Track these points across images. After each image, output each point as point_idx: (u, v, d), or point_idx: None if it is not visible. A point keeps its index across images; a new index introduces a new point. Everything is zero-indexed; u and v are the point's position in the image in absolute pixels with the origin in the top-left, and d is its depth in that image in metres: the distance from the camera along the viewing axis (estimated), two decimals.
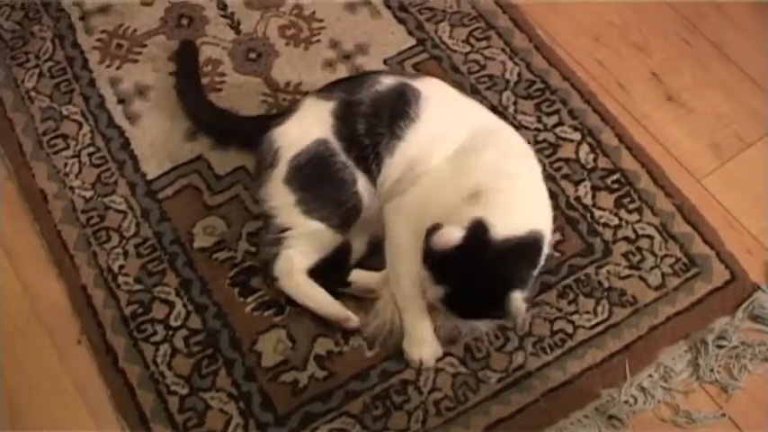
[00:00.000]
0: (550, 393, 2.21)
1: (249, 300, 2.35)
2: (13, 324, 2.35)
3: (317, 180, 2.27)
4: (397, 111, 2.27)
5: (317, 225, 2.26)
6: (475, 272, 2.06)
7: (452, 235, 2.03)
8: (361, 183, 2.28)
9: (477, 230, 2.04)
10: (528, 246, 2.11)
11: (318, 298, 2.28)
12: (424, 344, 2.24)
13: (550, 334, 2.28)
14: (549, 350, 2.26)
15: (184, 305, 2.34)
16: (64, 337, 2.33)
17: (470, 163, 2.23)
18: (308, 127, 2.31)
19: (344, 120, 2.29)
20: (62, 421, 2.23)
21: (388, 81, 2.33)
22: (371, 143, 2.26)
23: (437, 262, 2.06)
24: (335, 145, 2.28)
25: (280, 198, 2.28)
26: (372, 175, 2.28)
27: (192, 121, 2.63)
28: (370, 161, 2.27)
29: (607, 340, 2.27)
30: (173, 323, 2.32)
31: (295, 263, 2.27)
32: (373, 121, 2.26)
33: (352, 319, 2.26)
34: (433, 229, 2.04)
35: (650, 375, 2.23)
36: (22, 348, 2.32)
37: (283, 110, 2.55)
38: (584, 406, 2.20)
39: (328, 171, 2.26)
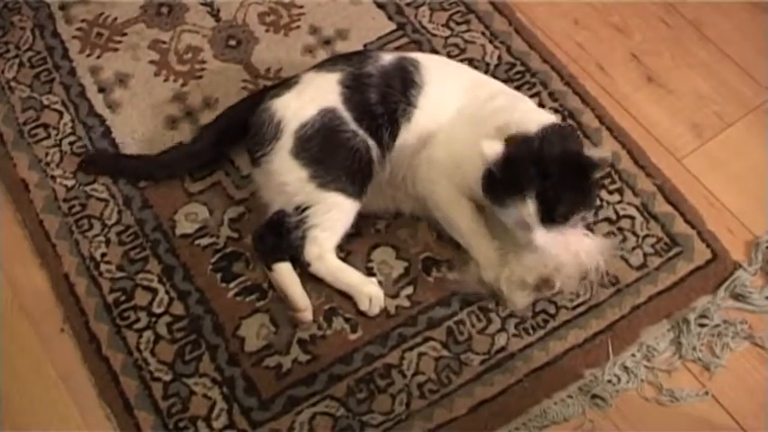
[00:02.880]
0: (533, 374, 2.21)
1: (231, 285, 2.34)
2: None
3: (328, 151, 2.27)
4: (407, 80, 2.34)
5: (335, 197, 2.26)
6: (550, 161, 2.08)
7: (525, 133, 2.14)
8: (373, 150, 2.30)
9: (527, 138, 2.13)
10: (563, 127, 2.28)
11: (353, 278, 2.30)
12: (496, 265, 2.26)
13: (533, 315, 2.28)
14: (531, 331, 2.26)
15: (167, 292, 2.34)
16: (47, 325, 2.33)
17: (487, 109, 2.30)
18: (312, 97, 2.32)
19: (355, 90, 2.32)
20: (47, 409, 2.22)
21: (388, 57, 2.39)
22: (386, 111, 2.31)
23: (510, 177, 2.09)
24: (344, 114, 2.30)
25: (290, 173, 2.28)
26: (383, 143, 2.31)
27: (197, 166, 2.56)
28: (384, 129, 2.31)
29: (590, 320, 2.27)
30: (155, 310, 2.32)
31: (323, 244, 2.28)
32: (387, 91, 2.32)
33: (374, 306, 2.28)
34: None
35: (633, 355, 2.23)
36: (5, 338, 2.31)
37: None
38: (567, 386, 2.20)
39: (339, 140, 2.27)
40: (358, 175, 2.28)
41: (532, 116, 2.25)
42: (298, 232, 2.27)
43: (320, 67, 2.41)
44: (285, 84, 2.40)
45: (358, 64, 2.37)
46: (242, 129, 2.41)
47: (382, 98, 2.32)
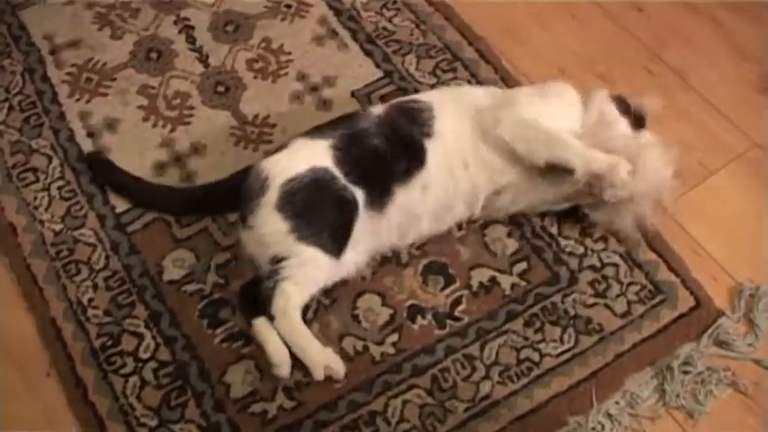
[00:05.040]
0: (518, 422, 2.21)
1: (218, 331, 2.35)
2: None
3: (313, 205, 2.28)
4: (411, 112, 2.44)
5: (313, 252, 2.26)
6: None
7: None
8: (362, 202, 2.32)
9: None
10: None
11: (310, 350, 2.27)
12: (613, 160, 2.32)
13: (517, 362, 2.29)
14: (515, 378, 2.27)
15: (153, 337, 2.35)
16: (33, 369, 2.33)
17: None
18: (304, 157, 2.33)
19: (351, 147, 2.35)
20: None
21: (377, 109, 2.45)
22: (400, 144, 2.37)
23: None
24: (336, 172, 2.31)
25: (271, 225, 2.28)
26: (391, 177, 2.35)
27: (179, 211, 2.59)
28: (397, 160, 2.35)
29: (574, 368, 2.28)
30: (142, 355, 2.32)
31: (291, 298, 2.26)
32: (392, 132, 2.38)
33: (339, 372, 2.27)
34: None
35: (617, 402, 2.24)
36: None
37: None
38: None
39: (328, 192, 2.29)
40: (340, 231, 2.29)
41: None
42: (269, 283, 2.26)
43: (311, 134, 2.41)
44: (277, 149, 2.42)
45: (349, 125, 2.39)
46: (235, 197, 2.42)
47: (389, 139, 2.36)
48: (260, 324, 2.28)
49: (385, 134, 2.37)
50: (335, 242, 2.28)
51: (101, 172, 2.64)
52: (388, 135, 2.37)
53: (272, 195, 2.28)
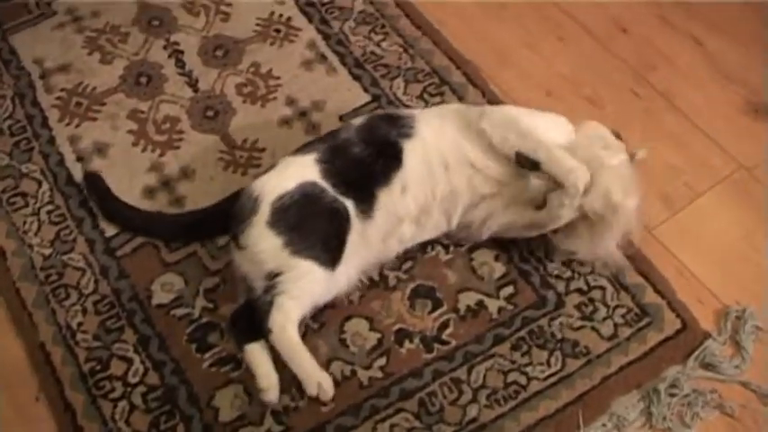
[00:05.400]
0: None
1: (207, 355, 2.35)
2: None
3: (305, 218, 2.30)
4: (391, 119, 2.47)
5: (309, 265, 2.27)
6: None
7: None
8: (352, 211, 2.34)
9: None
10: None
11: (305, 364, 2.28)
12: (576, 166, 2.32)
13: (504, 386, 2.29)
14: (502, 402, 2.27)
15: (142, 362, 2.35)
16: (22, 394, 2.33)
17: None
18: (291, 174, 2.35)
19: (335, 159, 2.38)
20: None
21: (360, 119, 2.49)
22: (377, 146, 2.39)
23: None
24: (325, 184, 2.33)
25: (265, 242, 2.29)
26: (372, 181, 2.37)
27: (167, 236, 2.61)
28: (375, 161, 2.37)
29: (560, 391, 2.29)
30: (131, 380, 2.33)
31: (289, 313, 2.26)
32: (370, 136, 2.42)
33: (326, 394, 2.27)
34: None
35: (604, 425, 2.24)
36: None
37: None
38: None
39: (318, 205, 2.31)
40: (333, 242, 2.30)
41: None
42: (266, 297, 2.27)
43: (298, 151, 2.44)
44: (267, 170, 2.44)
45: (332, 139, 2.43)
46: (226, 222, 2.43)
47: (368, 143, 2.39)
48: (252, 349, 2.29)
49: (364, 140, 2.40)
50: (330, 253, 2.29)
51: (94, 192, 2.65)
52: (367, 140, 2.40)
53: (263, 213, 2.30)
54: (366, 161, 2.37)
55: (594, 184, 2.29)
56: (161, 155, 2.74)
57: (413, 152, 2.39)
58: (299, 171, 2.36)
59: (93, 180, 2.67)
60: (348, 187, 2.35)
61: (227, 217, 2.39)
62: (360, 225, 2.35)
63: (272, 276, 2.27)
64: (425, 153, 2.40)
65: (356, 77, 2.91)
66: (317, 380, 2.26)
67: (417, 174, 2.39)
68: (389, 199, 2.37)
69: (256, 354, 2.29)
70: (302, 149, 2.44)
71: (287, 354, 2.27)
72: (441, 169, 2.40)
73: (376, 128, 2.44)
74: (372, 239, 2.39)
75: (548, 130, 2.40)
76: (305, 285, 2.28)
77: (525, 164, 2.33)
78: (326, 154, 2.39)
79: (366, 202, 2.36)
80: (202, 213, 2.57)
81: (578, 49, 3.02)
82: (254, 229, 2.30)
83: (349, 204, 2.34)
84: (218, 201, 2.56)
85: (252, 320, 2.30)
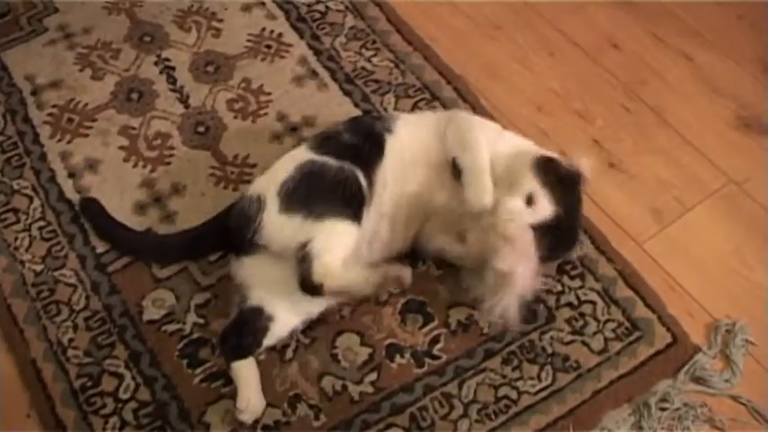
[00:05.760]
0: None
1: (198, 371, 2.35)
2: None
3: (316, 190, 2.31)
4: (377, 117, 2.64)
5: (334, 224, 2.28)
6: None
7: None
8: (361, 177, 2.36)
9: None
10: None
11: (367, 278, 2.33)
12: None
13: (495, 400, 2.29)
14: (493, 416, 2.27)
15: (133, 377, 2.35)
16: (13, 411, 2.33)
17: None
18: (285, 166, 2.37)
19: (326, 143, 2.42)
20: None
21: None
22: (363, 134, 2.45)
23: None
24: (324, 158, 2.36)
25: (285, 228, 2.29)
26: (366, 165, 2.38)
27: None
28: (363, 147, 2.41)
29: (551, 405, 2.29)
30: (122, 396, 2.33)
31: (328, 263, 2.25)
32: (357, 127, 2.49)
33: (406, 275, 2.38)
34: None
35: None
36: None
37: None
38: None
39: (325, 178, 2.32)
40: (353, 200, 2.32)
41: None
42: (303, 264, 2.24)
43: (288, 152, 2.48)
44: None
45: (321, 134, 2.51)
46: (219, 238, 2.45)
47: (355, 132, 2.45)
48: (239, 366, 2.29)
49: (352, 129, 2.46)
50: (351, 208, 2.30)
51: (91, 218, 2.65)
52: (355, 128, 2.47)
53: (272, 206, 2.31)
54: (356, 146, 2.41)
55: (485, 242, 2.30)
56: (152, 171, 2.75)
57: (392, 147, 2.43)
58: (293, 159, 2.39)
59: (90, 205, 2.67)
60: (350, 161, 2.37)
61: (221, 234, 2.40)
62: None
63: (303, 245, 2.26)
64: (401, 150, 2.43)
65: (347, 93, 2.92)
66: (392, 276, 2.37)
67: (394, 169, 2.41)
68: (376, 191, 2.40)
69: (244, 372, 2.29)
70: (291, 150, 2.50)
71: (351, 289, 2.33)
72: (411, 169, 2.42)
73: (361, 120, 2.57)
74: (363, 237, 2.39)
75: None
76: (337, 240, 2.29)
77: (455, 172, 2.37)
78: (317, 141, 2.43)
79: (367, 178, 2.38)
80: (195, 232, 2.56)
81: (569, 64, 3.03)
82: (269, 223, 2.31)
83: (358, 172, 2.36)
84: (209, 219, 2.56)
85: (241, 337, 2.30)
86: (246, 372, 2.29)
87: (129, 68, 3.01)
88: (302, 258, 2.25)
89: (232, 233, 2.38)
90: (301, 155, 2.40)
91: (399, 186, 2.41)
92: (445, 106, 2.86)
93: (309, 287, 2.24)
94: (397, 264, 2.39)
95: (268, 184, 2.35)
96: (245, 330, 2.31)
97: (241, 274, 2.39)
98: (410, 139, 2.45)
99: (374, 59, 3.00)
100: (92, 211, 2.65)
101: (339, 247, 2.29)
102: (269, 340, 2.34)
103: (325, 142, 2.42)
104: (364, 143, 2.42)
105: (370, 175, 2.38)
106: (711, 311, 2.46)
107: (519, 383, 2.32)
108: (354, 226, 2.31)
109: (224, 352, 2.34)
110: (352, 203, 2.32)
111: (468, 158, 2.35)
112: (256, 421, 2.27)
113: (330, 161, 2.35)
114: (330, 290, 2.26)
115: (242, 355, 2.30)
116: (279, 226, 2.30)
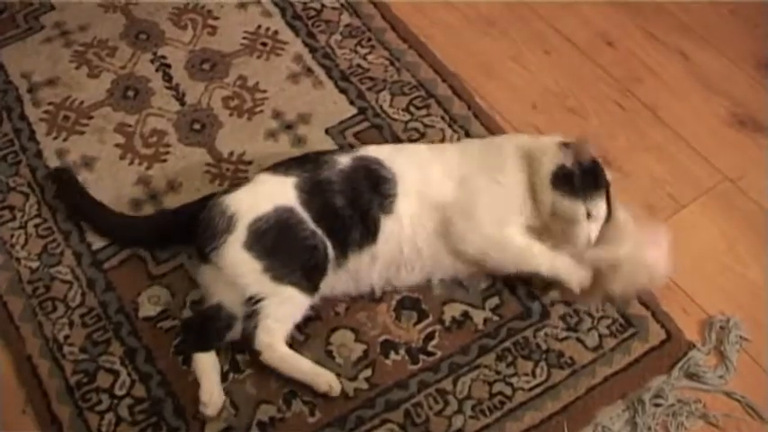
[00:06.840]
0: None
1: (193, 368, 2.35)
2: None
3: (284, 246, 2.30)
4: (374, 178, 2.40)
5: (290, 291, 2.28)
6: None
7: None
8: (329, 250, 2.34)
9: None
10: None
11: (304, 367, 2.31)
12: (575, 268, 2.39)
13: (489, 396, 2.30)
14: (488, 413, 2.27)
15: (129, 374, 2.35)
16: (9, 407, 2.33)
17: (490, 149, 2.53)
18: (267, 195, 2.35)
19: (314, 194, 2.36)
20: None
21: (343, 159, 2.43)
22: (358, 212, 2.36)
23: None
24: (303, 214, 2.33)
25: (243, 265, 2.29)
26: (347, 242, 2.36)
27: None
28: (354, 229, 2.36)
29: (546, 402, 2.29)
30: (117, 392, 2.33)
31: (275, 334, 2.29)
32: (354, 194, 2.37)
33: (335, 388, 2.29)
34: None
35: None
36: None
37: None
38: None
39: (296, 238, 2.31)
40: (314, 271, 2.32)
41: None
42: (250, 322, 2.27)
43: (274, 170, 2.44)
44: (237, 185, 2.45)
45: (313, 169, 2.40)
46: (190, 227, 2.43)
47: (351, 201, 2.37)
48: (200, 359, 2.30)
49: (346, 194, 2.38)
50: (311, 281, 2.31)
51: (64, 190, 2.68)
52: (349, 196, 2.38)
53: (239, 234, 2.30)
54: (345, 221, 2.37)
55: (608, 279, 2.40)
56: (148, 168, 2.75)
57: (389, 231, 2.39)
58: (276, 192, 2.37)
59: (62, 177, 2.69)
60: (325, 230, 2.35)
61: (187, 227, 2.42)
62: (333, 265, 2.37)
63: (254, 302, 2.28)
64: (401, 236, 2.40)
65: (342, 90, 2.92)
66: (323, 378, 2.29)
67: (388, 253, 2.40)
68: (358, 262, 2.39)
69: (204, 365, 2.29)
70: (280, 168, 2.44)
71: (284, 368, 2.30)
72: (414, 254, 2.42)
73: (360, 187, 2.39)
74: (343, 279, 2.41)
75: (512, 203, 2.43)
76: (288, 310, 2.31)
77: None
78: (306, 184, 2.38)
79: (339, 254, 2.37)
80: (172, 215, 2.59)
81: (564, 61, 3.04)
82: (231, 250, 2.30)
83: (328, 244, 2.34)
84: (186, 204, 2.58)
85: (203, 330, 2.31)
86: (207, 365, 2.29)
87: (125, 66, 3.02)
88: (249, 315, 2.28)
89: (195, 236, 2.39)
90: (287, 193, 2.36)
91: (393, 267, 2.44)
92: (440, 104, 2.87)
93: (249, 348, 2.29)
94: (325, 370, 2.33)
95: (247, 209, 2.33)
96: (207, 324, 2.32)
97: (199, 279, 2.41)
98: (413, 230, 2.41)
99: (369, 57, 3.01)
100: (64, 181, 2.67)
101: (288, 318, 2.32)
102: (232, 335, 2.34)
103: (314, 191, 2.37)
104: (355, 222, 2.37)
105: (347, 252, 2.37)
106: (705, 308, 2.46)
107: (513, 380, 2.32)
108: (308, 299, 2.32)
109: (185, 342, 2.35)
110: (313, 276, 2.32)
111: (529, 265, 2.41)
112: (251, 418, 2.27)
113: (307, 223, 2.34)
114: (268, 361, 2.29)
115: (203, 347, 2.31)
116: (237, 260, 2.30)
